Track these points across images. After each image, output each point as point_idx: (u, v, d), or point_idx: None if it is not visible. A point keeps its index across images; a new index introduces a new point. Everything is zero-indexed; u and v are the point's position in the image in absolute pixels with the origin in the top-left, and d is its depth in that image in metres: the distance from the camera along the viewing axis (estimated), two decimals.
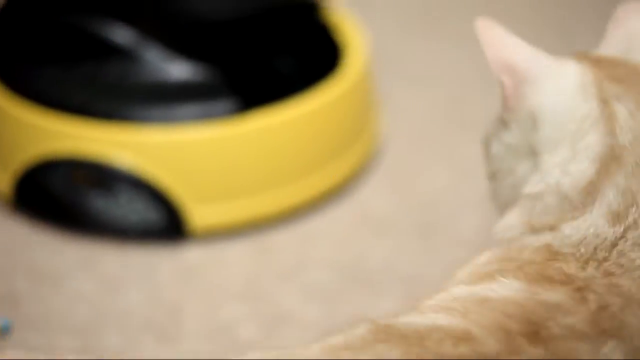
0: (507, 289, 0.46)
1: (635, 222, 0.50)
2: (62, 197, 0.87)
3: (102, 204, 0.86)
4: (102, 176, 0.85)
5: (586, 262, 0.48)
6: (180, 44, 0.87)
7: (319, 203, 0.91)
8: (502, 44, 0.55)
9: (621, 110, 0.52)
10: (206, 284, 0.84)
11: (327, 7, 0.95)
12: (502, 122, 0.57)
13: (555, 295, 0.45)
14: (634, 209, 0.50)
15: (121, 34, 0.86)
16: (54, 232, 0.87)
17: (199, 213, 0.86)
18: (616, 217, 0.50)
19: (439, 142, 1.01)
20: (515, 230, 0.53)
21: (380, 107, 1.01)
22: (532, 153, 0.55)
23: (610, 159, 0.51)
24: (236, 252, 0.87)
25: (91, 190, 0.86)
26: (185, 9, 0.92)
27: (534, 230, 0.52)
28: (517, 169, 0.56)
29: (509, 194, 0.56)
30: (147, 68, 0.86)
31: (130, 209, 0.85)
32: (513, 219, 0.54)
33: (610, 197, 0.50)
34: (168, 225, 0.86)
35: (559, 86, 0.54)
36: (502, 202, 0.57)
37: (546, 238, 0.50)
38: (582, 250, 0.49)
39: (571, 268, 0.47)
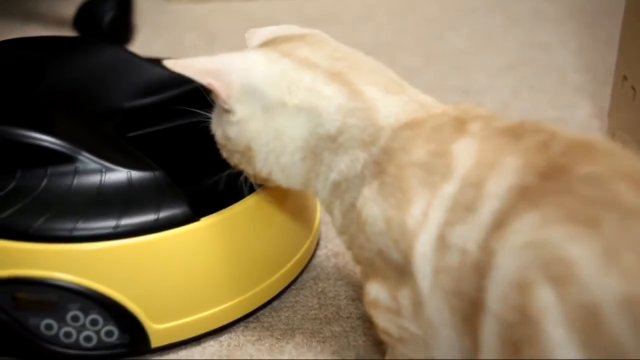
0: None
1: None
2: (5, 326, 0.79)
3: (51, 331, 0.79)
4: (48, 298, 0.77)
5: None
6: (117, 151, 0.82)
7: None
8: (193, 62, 0.68)
9: (304, 53, 0.69)
10: None
11: None
12: (225, 112, 0.70)
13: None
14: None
15: (54, 144, 0.79)
16: None
17: (159, 330, 0.80)
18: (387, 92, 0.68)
19: None
20: (360, 161, 0.67)
21: None
22: (282, 105, 0.68)
23: (335, 76, 0.67)
24: None
25: (38, 316, 0.78)
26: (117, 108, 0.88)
27: (376, 142, 0.67)
28: (275, 123, 0.68)
29: (276, 143, 0.69)
30: (84, 179, 0.79)
31: (84, 334, 0.79)
32: (354, 156, 0.67)
33: (368, 87, 0.68)
34: (129, 346, 0.80)
35: (253, 63, 0.69)
36: (271, 152, 0.70)
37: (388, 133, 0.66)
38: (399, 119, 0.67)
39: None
